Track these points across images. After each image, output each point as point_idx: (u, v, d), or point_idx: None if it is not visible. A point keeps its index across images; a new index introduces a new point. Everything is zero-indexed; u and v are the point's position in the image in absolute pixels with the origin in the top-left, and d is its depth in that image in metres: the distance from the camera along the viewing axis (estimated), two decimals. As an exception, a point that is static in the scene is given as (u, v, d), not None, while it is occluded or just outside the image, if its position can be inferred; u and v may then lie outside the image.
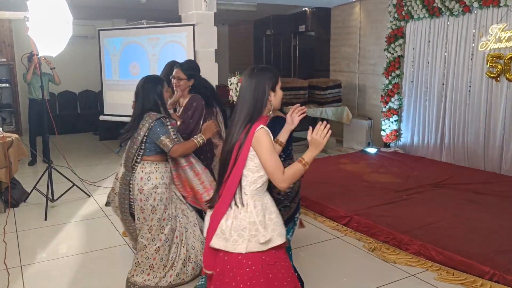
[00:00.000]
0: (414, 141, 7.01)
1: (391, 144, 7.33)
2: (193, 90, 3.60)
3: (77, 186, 5.36)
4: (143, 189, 3.09)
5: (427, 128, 6.80)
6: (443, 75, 6.45)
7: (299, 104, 2.43)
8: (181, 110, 3.59)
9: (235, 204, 2.12)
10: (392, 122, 7.19)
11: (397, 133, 7.26)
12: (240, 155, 2.09)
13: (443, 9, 6.21)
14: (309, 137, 2.14)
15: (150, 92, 3.12)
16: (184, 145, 3.11)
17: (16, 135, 5.36)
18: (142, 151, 3.11)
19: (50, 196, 4.97)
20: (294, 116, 2.33)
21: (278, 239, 2.11)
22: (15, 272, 3.53)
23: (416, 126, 6.97)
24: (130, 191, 3.17)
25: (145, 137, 3.07)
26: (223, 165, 2.18)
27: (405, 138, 7.21)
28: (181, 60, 6.52)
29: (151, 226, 3.15)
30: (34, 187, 5.18)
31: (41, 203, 4.96)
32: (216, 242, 2.12)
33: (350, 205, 4.52)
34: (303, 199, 4.84)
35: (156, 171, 3.12)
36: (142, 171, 3.11)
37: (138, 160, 3.13)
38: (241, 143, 2.09)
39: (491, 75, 5.72)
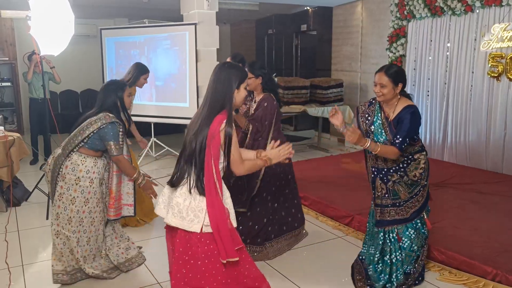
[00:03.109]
0: (416, 140, 7.00)
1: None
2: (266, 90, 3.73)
3: (78, 185, 5.36)
4: (65, 177, 3.13)
5: (429, 127, 6.78)
6: (445, 74, 6.44)
7: (289, 146, 2.50)
8: (254, 106, 3.72)
9: (197, 187, 2.23)
10: (394, 122, 7.18)
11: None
12: (213, 144, 2.21)
13: (445, 8, 6.19)
14: (269, 148, 2.50)
15: (111, 93, 3.24)
16: (126, 164, 3.20)
17: (18, 134, 5.37)
18: (82, 143, 3.15)
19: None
20: (280, 154, 2.47)
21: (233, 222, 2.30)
22: (17, 271, 3.53)
23: (418, 126, 6.95)
24: (59, 173, 3.16)
25: (92, 134, 3.12)
26: (190, 150, 2.27)
27: (407, 138, 7.19)
28: (182, 59, 6.58)
29: (70, 217, 3.16)
30: (36, 186, 5.18)
31: (43, 202, 4.97)
32: (173, 220, 2.25)
33: (351, 204, 4.52)
34: (304, 198, 4.85)
35: (82, 164, 3.14)
36: (69, 161, 3.13)
37: (75, 150, 3.16)
38: (213, 133, 2.21)
39: (493, 75, 5.70)
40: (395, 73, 2.93)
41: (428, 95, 6.74)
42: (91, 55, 9.86)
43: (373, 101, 3.13)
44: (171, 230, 2.39)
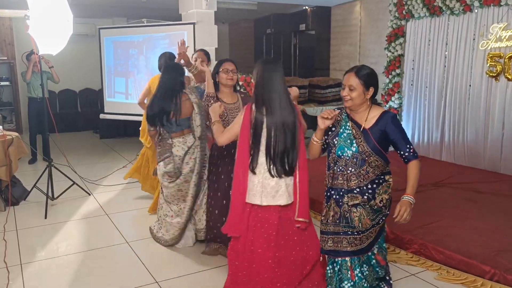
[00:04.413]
0: (414, 140, 7.01)
1: (391, 143, 7.31)
2: None
3: (77, 184, 5.37)
4: (204, 159, 3.82)
5: (427, 127, 6.79)
6: (443, 74, 6.45)
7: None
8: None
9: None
10: (392, 121, 7.17)
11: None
12: (300, 130, 2.70)
13: (443, 8, 6.20)
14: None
15: (175, 75, 3.71)
16: None
17: (17, 133, 5.36)
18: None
19: (50, 194, 4.97)
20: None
21: None
22: (15, 270, 3.53)
23: (416, 125, 6.97)
24: (205, 158, 3.82)
25: (202, 113, 3.71)
26: (279, 142, 2.66)
27: (405, 137, 7.19)
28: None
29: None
30: (34, 186, 5.18)
31: (41, 202, 4.96)
32: (288, 200, 2.84)
33: (350, 204, 4.51)
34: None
35: (202, 142, 3.81)
36: (201, 144, 3.78)
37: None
38: (300, 121, 2.72)
39: (491, 74, 5.71)
40: (367, 75, 2.56)
41: (426, 95, 6.74)
42: (90, 54, 9.86)
43: (340, 112, 2.75)
44: (273, 213, 2.81)
